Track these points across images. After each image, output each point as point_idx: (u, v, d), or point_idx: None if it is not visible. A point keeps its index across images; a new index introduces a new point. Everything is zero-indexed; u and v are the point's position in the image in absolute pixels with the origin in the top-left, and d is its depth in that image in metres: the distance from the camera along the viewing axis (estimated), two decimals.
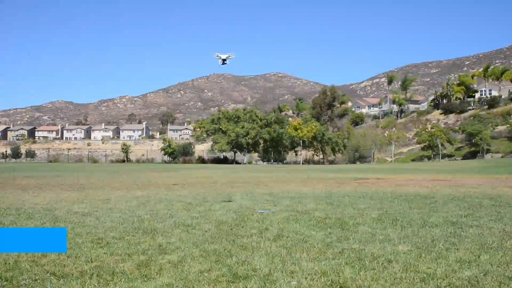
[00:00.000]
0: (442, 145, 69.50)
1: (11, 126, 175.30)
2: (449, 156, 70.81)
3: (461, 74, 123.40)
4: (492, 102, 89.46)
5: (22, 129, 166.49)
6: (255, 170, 36.53)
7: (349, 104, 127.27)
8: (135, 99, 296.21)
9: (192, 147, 75.13)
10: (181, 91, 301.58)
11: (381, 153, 78.43)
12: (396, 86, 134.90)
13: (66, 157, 74.66)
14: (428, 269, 4.97)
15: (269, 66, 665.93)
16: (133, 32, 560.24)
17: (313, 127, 69.37)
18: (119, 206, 10.26)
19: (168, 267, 5.11)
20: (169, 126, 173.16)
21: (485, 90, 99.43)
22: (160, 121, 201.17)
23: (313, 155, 75.06)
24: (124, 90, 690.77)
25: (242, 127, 66.41)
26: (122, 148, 71.68)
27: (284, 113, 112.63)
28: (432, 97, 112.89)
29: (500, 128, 74.66)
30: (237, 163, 65.78)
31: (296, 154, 73.64)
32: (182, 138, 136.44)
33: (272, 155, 70.43)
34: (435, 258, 5.41)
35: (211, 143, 73.59)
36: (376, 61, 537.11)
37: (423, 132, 75.15)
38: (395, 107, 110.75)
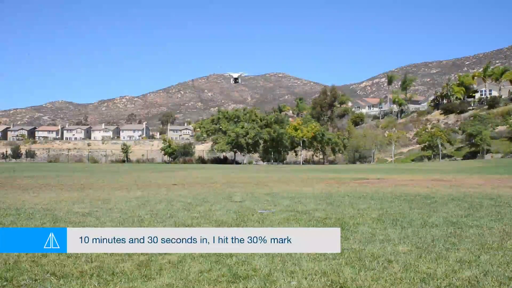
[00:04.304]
0: (442, 145, 69.53)
1: (11, 126, 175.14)
2: (449, 156, 70.84)
3: (461, 74, 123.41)
4: (492, 102, 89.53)
5: (22, 129, 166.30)
6: (255, 170, 36.52)
7: (349, 104, 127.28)
8: (135, 99, 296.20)
9: (192, 147, 75.09)
10: (181, 91, 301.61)
11: (381, 153, 78.45)
12: (396, 86, 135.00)
13: (66, 157, 74.72)
14: (428, 269, 4.97)
15: (269, 66, 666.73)
16: (133, 32, 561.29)
17: (313, 127, 69.41)
18: (119, 206, 10.25)
19: (168, 267, 5.11)
20: (169, 126, 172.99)
21: (485, 90, 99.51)
22: (160, 121, 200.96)
23: (313, 155, 75.09)
24: (124, 90, 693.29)
25: (242, 127, 66.40)
26: (122, 148, 71.67)
27: (284, 113, 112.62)
28: (432, 97, 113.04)
29: (500, 128, 74.72)
30: (237, 163, 65.77)
31: (296, 154, 73.68)
32: (182, 138, 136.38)
33: (272, 155, 70.42)
34: (435, 258, 5.41)
35: (211, 143, 73.59)
36: (376, 61, 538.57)
37: (423, 132, 75.22)
38: (395, 107, 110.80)
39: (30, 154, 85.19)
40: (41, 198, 12.21)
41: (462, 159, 66.13)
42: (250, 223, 7.86)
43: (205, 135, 75.60)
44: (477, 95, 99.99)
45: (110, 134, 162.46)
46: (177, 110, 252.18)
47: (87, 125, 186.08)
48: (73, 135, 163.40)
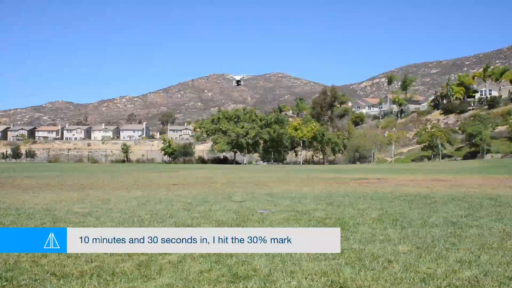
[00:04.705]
0: (442, 145, 69.52)
1: (11, 126, 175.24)
2: (449, 156, 70.83)
3: (461, 74, 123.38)
4: (492, 102, 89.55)
5: (22, 129, 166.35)
6: (255, 170, 36.51)
7: (349, 104, 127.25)
8: (135, 99, 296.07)
9: (192, 147, 75.06)
10: (181, 91, 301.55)
11: (381, 153, 78.46)
12: (396, 86, 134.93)
13: (66, 157, 74.68)
14: (428, 269, 4.97)
15: (269, 66, 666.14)
16: (133, 32, 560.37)
17: (313, 127, 69.41)
18: (119, 206, 10.25)
19: (168, 267, 5.11)
20: (169, 126, 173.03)
21: (485, 90, 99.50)
22: (160, 121, 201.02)
23: (313, 155, 75.09)
24: (124, 90, 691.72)
25: (242, 127, 66.39)
26: (122, 148, 71.64)
27: (284, 113, 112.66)
28: (432, 97, 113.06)
29: (500, 128, 74.74)
30: (237, 163, 65.75)
31: (296, 155, 73.64)
32: (182, 138, 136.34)
33: (272, 155, 70.43)
34: (435, 258, 5.41)
35: (211, 143, 73.57)
36: (376, 61, 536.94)
37: (423, 132, 75.22)
38: (395, 107, 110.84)
39: (30, 154, 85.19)
40: (41, 198, 12.21)
41: (462, 159, 66.11)
42: (250, 223, 7.86)
43: (205, 135, 75.55)
44: (477, 95, 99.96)
45: (110, 134, 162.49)
46: (177, 110, 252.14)
47: (87, 125, 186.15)
48: (73, 135, 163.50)
